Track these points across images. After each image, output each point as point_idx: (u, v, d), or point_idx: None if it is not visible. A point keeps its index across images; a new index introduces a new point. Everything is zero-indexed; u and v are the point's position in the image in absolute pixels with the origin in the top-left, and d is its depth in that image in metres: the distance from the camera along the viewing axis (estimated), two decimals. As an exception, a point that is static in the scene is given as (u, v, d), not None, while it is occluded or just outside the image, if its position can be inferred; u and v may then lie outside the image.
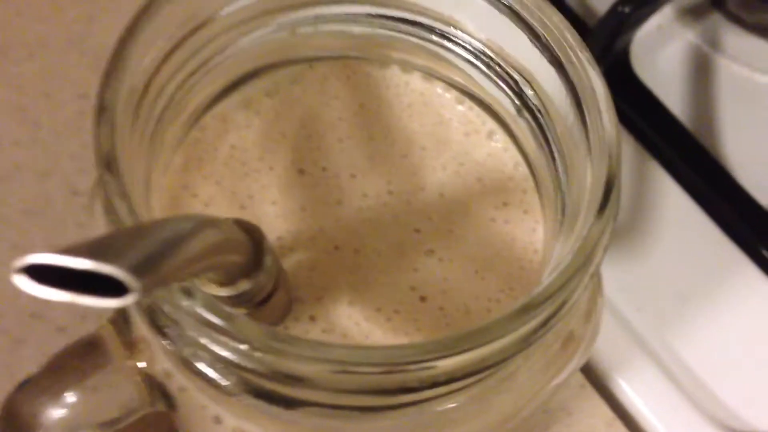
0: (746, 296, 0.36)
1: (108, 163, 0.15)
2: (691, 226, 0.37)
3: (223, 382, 0.17)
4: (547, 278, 0.16)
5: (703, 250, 0.37)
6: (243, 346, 0.15)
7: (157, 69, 0.19)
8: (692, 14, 0.43)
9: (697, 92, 0.41)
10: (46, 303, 0.34)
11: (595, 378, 0.34)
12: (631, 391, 0.33)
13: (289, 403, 0.16)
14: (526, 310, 0.15)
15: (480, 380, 0.16)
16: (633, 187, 0.38)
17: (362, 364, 0.15)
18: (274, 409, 0.17)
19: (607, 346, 0.34)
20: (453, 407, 0.17)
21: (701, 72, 0.42)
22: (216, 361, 0.16)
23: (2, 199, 0.35)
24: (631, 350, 0.34)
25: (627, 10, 0.39)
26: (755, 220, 0.37)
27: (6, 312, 0.33)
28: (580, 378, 0.33)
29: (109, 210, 0.15)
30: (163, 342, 0.17)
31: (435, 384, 0.15)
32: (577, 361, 0.21)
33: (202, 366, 0.17)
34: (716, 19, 0.43)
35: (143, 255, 0.11)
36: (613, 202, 0.16)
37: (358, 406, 0.16)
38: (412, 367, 0.15)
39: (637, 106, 0.39)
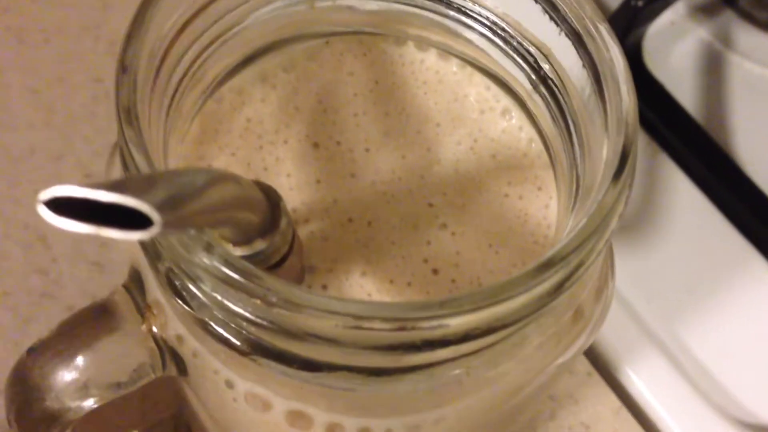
0: (755, 289, 0.36)
1: (128, 117, 0.16)
2: (701, 220, 0.37)
3: (237, 342, 0.17)
4: (563, 240, 0.16)
5: (713, 243, 0.37)
6: (259, 301, 0.15)
7: (177, 36, 0.19)
8: (704, 11, 0.43)
9: (709, 88, 0.41)
10: (57, 282, 0.34)
11: (602, 366, 0.34)
12: (638, 379, 0.33)
13: (300, 364, 0.17)
14: (542, 269, 0.15)
15: (492, 344, 0.16)
16: (644, 180, 0.39)
17: (375, 319, 0.15)
18: (286, 370, 0.17)
19: (616, 335, 0.34)
20: (464, 373, 0.17)
21: (713, 68, 0.42)
22: (231, 320, 0.16)
23: (16, 181, 0.36)
24: (640, 340, 0.34)
25: (640, 4, 0.39)
26: (766, 214, 0.37)
27: (16, 290, 0.33)
28: (587, 366, 0.34)
29: (128, 164, 0.16)
30: (179, 303, 0.17)
31: (448, 342, 0.15)
32: (585, 340, 0.21)
33: (216, 327, 0.17)
34: (728, 16, 0.43)
35: (166, 193, 0.11)
36: (629, 169, 0.17)
37: (370, 367, 0.16)
38: (425, 324, 0.15)
39: (649, 101, 0.39)
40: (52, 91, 0.38)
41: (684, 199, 0.38)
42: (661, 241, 0.37)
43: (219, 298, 0.16)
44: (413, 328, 0.15)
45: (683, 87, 0.40)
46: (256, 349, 0.17)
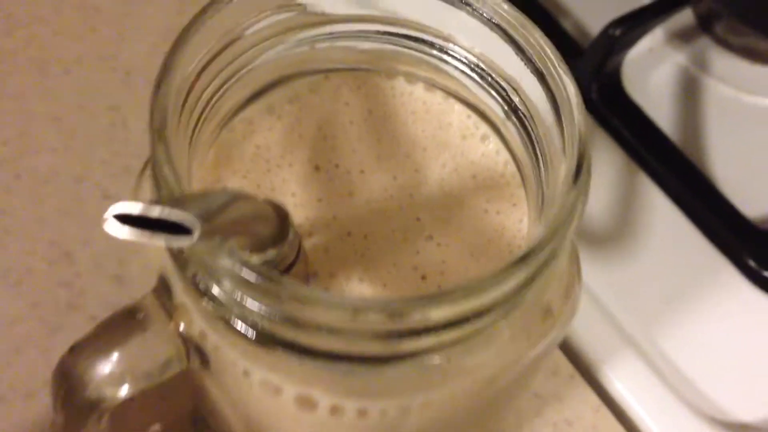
0: (727, 297, 0.37)
1: (160, 133, 0.18)
2: (678, 234, 0.39)
3: (253, 335, 0.20)
4: (527, 246, 0.19)
5: (689, 256, 0.38)
6: (273, 297, 0.18)
7: (198, 76, 0.22)
8: (681, 37, 0.45)
9: (686, 111, 0.43)
10: (81, 294, 0.37)
11: (584, 368, 0.35)
12: (617, 380, 0.35)
13: (307, 353, 0.19)
14: (509, 270, 0.18)
15: (469, 335, 0.19)
16: (623, 198, 0.39)
17: (370, 311, 0.18)
18: (295, 358, 0.20)
19: (596, 340, 0.35)
20: (445, 360, 0.20)
21: (690, 92, 0.43)
22: (248, 315, 0.19)
23: (40, 201, 0.37)
24: (619, 345, 0.35)
25: (617, 32, 0.40)
26: (738, 229, 0.38)
27: (44, 302, 0.35)
28: (570, 368, 0.35)
29: (160, 182, 0.18)
30: (203, 302, 0.20)
31: (430, 331, 0.18)
32: (554, 336, 0.23)
33: (235, 322, 0.20)
34: (704, 42, 0.45)
35: (204, 208, 0.14)
36: (584, 176, 0.19)
37: (366, 354, 0.19)
38: (411, 315, 0.18)
39: (628, 123, 0.41)
40: (72, 118, 0.40)
41: (661, 215, 0.39)
42: (639, 254, 0.38)
43: (238, 297, 0.19)
44: (401, 319, 0.18)
45: (661, 110, 0.42)
46: (268, 341, 0.19)
